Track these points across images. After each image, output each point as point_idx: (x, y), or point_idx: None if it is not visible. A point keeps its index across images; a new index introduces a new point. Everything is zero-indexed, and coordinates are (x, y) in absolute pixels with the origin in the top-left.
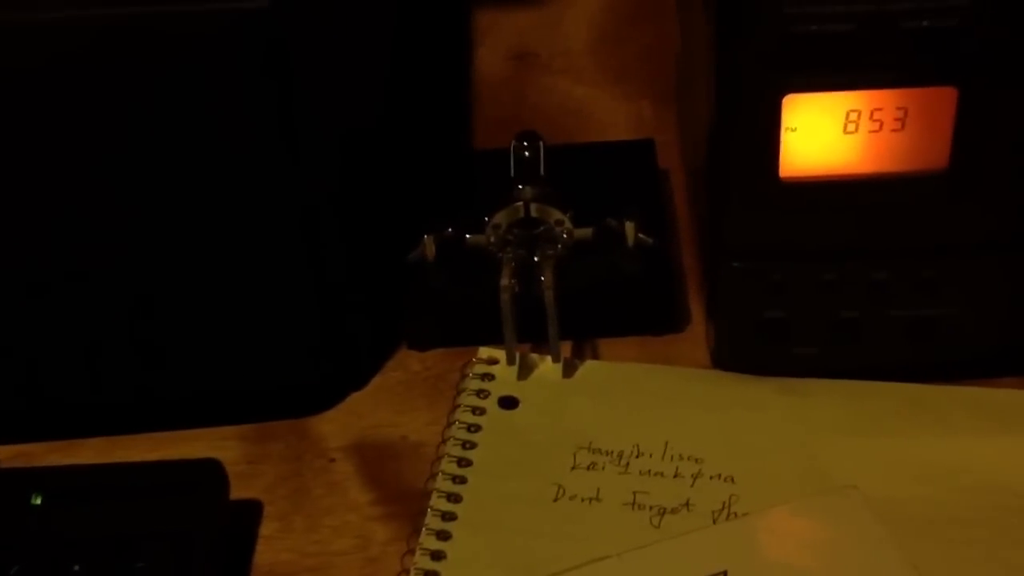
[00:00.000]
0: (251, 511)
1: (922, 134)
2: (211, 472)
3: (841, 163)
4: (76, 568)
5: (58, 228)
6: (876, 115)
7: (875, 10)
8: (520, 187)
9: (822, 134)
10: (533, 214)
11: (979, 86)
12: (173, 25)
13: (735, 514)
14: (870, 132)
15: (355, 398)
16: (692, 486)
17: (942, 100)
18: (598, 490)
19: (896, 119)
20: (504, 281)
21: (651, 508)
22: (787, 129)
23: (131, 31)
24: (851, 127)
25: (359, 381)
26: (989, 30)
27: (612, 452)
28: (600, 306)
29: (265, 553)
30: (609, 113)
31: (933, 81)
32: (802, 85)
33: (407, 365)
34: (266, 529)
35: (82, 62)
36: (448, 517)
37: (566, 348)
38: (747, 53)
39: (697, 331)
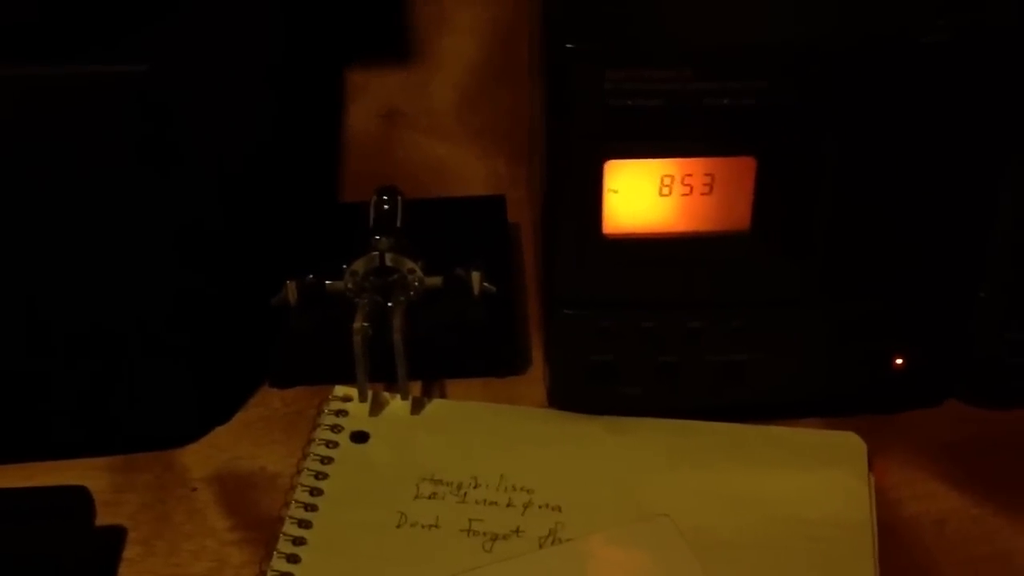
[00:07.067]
0: (116, 536)
1: (727, 198)
2: (78, 498)
3: (658, 222)
4: None
5: None
6: (687, 180)
7: (681, 89)
8: (377, 238)
9: (641, 196)
10: (388, 263)
11: (774, 157)
12: (60, 85)
13: (559, 540)
14: (682, 195)
15: (219, 432)
16: (523, 514)
17: (743, 169)
18: (437, 517)
19: (705, 184)
20: (357, 324)
21: (484, 534)
22: (609, 191)
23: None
24: (666, 190)
25: (223, 416)
26: (782, 109)
27: (452, 483)
28: (447, 349)
29: (127, 574)
30: (468, 169)
31: (734, 152)
32: (621, 152)
33: (268, 402)
34: (129, 552)
35: None
36: (298, 542)
37: (416, 387)
38: (572, 122)
39: (537, 373)
